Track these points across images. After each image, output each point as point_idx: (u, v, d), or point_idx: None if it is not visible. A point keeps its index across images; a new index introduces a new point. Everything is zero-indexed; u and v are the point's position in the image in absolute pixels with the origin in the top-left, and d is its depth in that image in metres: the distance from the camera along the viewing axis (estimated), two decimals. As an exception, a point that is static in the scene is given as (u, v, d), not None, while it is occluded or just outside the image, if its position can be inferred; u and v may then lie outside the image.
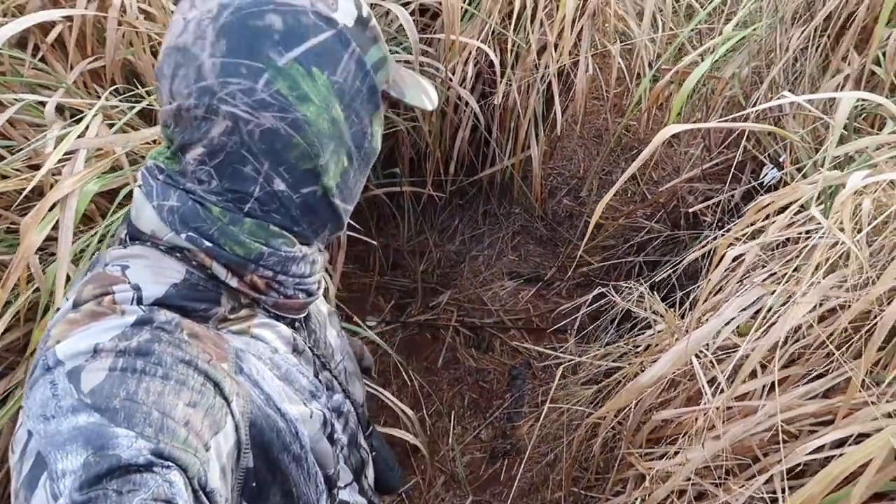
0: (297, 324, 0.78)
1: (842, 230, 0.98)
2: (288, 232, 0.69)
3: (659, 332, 1.65)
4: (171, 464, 0.51)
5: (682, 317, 1.63)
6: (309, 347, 0.78)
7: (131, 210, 0.68)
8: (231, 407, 0.61)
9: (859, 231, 1.05)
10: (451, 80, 2.20)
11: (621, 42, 2.56)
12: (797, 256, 1.23)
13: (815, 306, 1.14)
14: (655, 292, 1.74)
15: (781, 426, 1.17)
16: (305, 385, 0.74)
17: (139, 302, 0.61)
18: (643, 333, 1.78)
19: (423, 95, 0.77)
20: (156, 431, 0.52)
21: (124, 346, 0.56)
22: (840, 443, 1.11)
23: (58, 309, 0.63)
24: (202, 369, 0.59)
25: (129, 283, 0.62)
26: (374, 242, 2.13)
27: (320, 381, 0.78)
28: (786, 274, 1.21)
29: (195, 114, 0.62)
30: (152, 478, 0.49)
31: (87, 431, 0.50)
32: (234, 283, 0.67)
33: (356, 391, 0.89)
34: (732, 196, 2.16)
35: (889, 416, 1.07)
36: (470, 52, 2.24)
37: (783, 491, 1.11)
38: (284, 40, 0.61)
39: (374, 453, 0.94)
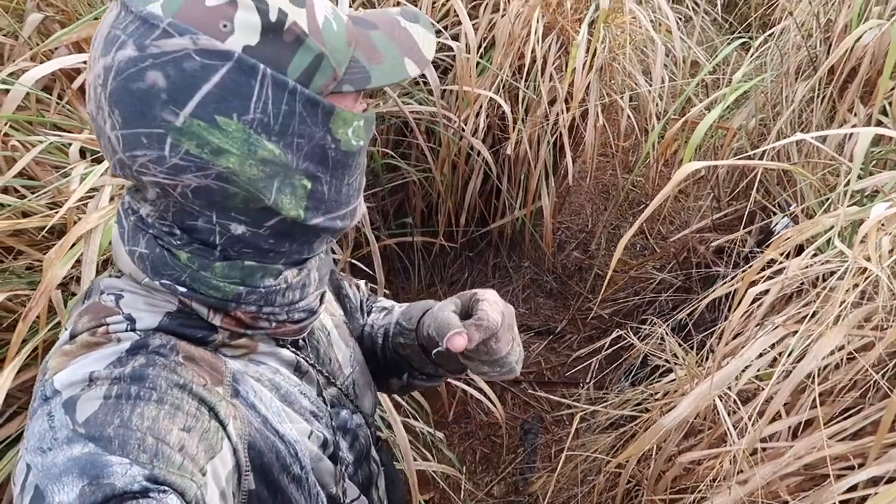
0: (300, 342, 0.77)
1: (867, 259, 0.97)
2: (269, 263, 0.65)
3: (680, 377, 1.63)
4: (167, 489, 0.51)
5: (701, 361, 1.62)
6: (311, 365, 0.76)
7: (113, 247, 0.68)
8: (227, 430, 0.60)
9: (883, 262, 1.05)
10: (463, 130, 2.23)
11: (629, 96, 2.61)
12: (818, 297, 1.22)
13: (842, 345, 1.13)
14: (674, 335, 1.72)
15: (810, 469, 1.14)
16: (307, 406, 0.73)
17: (133, 332, 0.61)
18: (660, 380, 1.76)
19: (406, 60, 0.65)
20: (150, 457, 0.52)
21: (118, 372, 0.56)
22: (873, 483, 1.08)
23: None
24: (197, 393, 0.59)
25: (123, 313, 0.62)
26: (386, 293, 2.12)
27: (324, 400, 0.77)
28: (810, 314, 1.20)
29: (127, 181, 0.61)
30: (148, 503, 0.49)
31: (81, 462, 0.50)
32: (217, 321, 0.64)
33: (365, 403, 0.87)
34: (744, 244, 2.16)
35: (924, 453, 1.04)
36: (481, 104, 2.28)
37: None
38: (172, 97, 0.53)
39: (382, 467, 0.92)
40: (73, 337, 0.61)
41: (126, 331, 0.61)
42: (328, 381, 0.80)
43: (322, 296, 0.75)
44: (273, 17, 0.55)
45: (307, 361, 0.76)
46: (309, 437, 0.71)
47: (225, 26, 0.54)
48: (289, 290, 0.67)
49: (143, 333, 0.61)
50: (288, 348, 0.74)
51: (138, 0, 0.54)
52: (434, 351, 0.81)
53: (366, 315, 1.00)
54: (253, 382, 0.67)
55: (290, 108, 0.57)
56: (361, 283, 1.03)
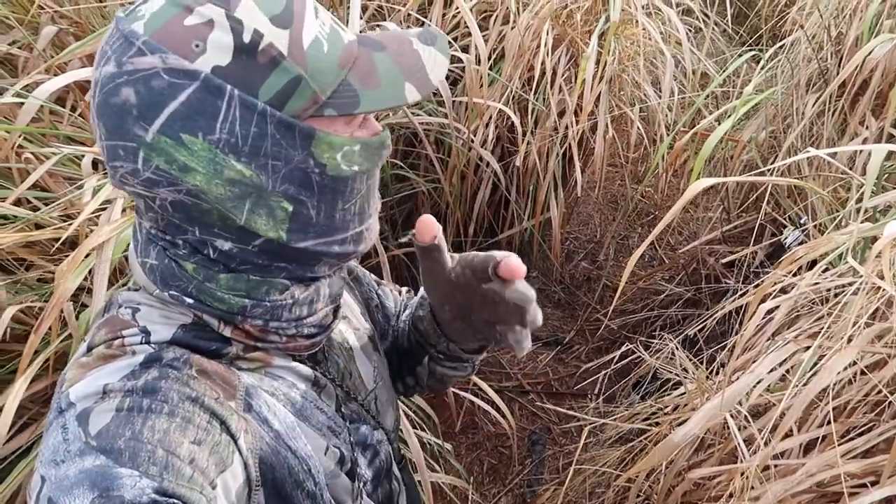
0: (319, 356, 0.76)
1: (881, 278, 0.97)
2: (272, 278, 0.65)
3: (689, 391, 1.62)
4: (176, 501, 0.51)
5: (711, 375, 1.61)
6: (330, 380, 0.76)
7: (129, 259, 0.69)
8: (238, 444, 0.60)
9: (897, 281, 1.04)
10: (472, 140, 2.24)
11: (639, 108, 2.61)
12: (829, 313, 1.22)
13: (854, 361, 1.12)
14: (684, 349, 1.71)
15: (823, 487, 1.14)
16: (324, 421, 0.73)
17: (147, 344, 0.62)
18: (670, 394, 1.75)
19: (407, 84, 0.62)
20: (160, 470, 0.52)
21: (131, 385, 0.56)
22: (887, 502, 1.07)
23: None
24: (208, 406, 0.59)
25: (138, 326, 0.63)
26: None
27: (343, 416, 0.77)
28: (821, 329, 1.19)
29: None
30: None
31: (92, 474, 0.50)
32: (227, 332, 0.65)
33: (388, 420, 0.86)
34: (755, 257, 2.15)
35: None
36: (491, 115, 2.28)
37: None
38: (142, 114, 0.55)
39: (404, 486, 0.91)
40: (90, 349, 0.62)
41: (140, 343, 0.61)
42: (348, 395, 0.79)
43: (336, 311, 0.74)
44: (247, 38, 0.55)
45: (325, 376, 0.75)
46: (325, 453, 0.71)
47: (197, 46, 0.54)
48: (296, 306, 0.67)
49: (157, 346, 0.61)
50: (305, 363, 0.73)
51: (127, 18, 0.56)
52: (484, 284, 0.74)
53: (402, 313, 0.99)
54: (267, 397, 0.67)
55: (261, 129, 0.56)
56: (403, 289, 1.03)
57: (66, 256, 1.15)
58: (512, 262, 0.68)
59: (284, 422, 0.67)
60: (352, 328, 0.86)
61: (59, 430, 0.54)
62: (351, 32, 0.64)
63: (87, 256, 1.15)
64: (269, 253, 0.63)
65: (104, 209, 1.25)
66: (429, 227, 0.70)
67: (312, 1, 0.60)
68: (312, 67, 0.57)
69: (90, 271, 1.15)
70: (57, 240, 1.22)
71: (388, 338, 0.96)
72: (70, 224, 1.20)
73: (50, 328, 1.13)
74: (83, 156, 1.38)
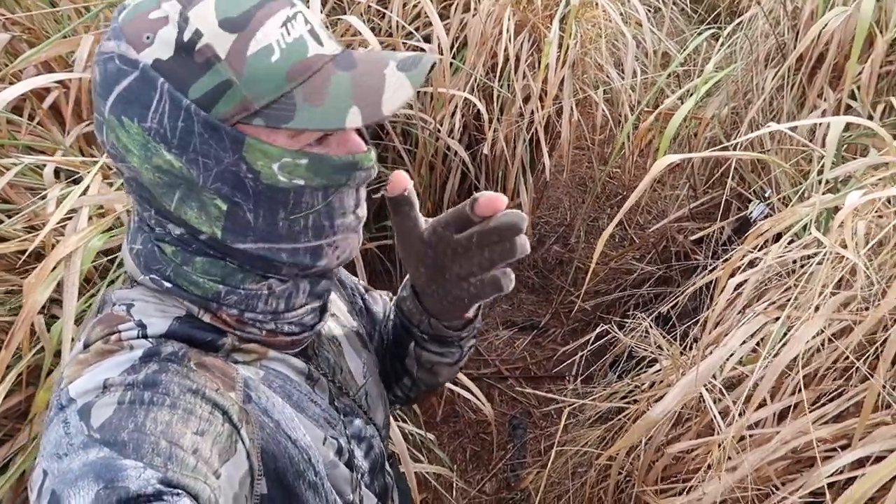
0: (309, 352, 0.77)
1: (844, 247, 0.99)
2: (248, 266, 0.66)
3: (665, 368, 1.64)
4: (181, 491, 0.51)
5: (685, 351, 1.64)
6: (323, 375, 0.77)
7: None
8: (241, 434, 0.61)
9: (860, 249, 1.07)
10: (439, 130, 2.24)
11: (603, 90, 2.63)
12: (796, 284, 1.24)
13: (822, 329, 1.15)
14: (657, 327, 1.74)
15: (797, 453, 1.17)
16: (319, 413, 0.73)
17: (145, 338, 0.62)
18: (646, 372, 1.78)
19: (353, 109, 0.59)
20: (164, 461, 0.52)
21: (132, 379, 0.57)
22: (859, 464, 1.11)
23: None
24: (210, 398, 0.59)
25: (134, 320, 0.63)
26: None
27: (336, 409, 0.77)
28: (788, 300, 1.22)
29: None
30: None
31: (97, 466, 0.50)
32: (206, 318, 0.66)
33: (378, 415, 0.87)
34: (722, 232, 2.19)
35: (907, 433, 1.06)
36: (456, 104, 2.29)
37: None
38: (101, 91, 0.59)
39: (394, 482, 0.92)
40: (86, 346, 0.62)
41: (137, 337, 0.62)
42: (340, 390, 0.80)
43: (322, 311, 0.75)
44: (186, 36, 0.56)
45: (318, 370, 0.76)
46: (324, 443, 0.72)
47: (148, 38, 0.57)
48: (272, 298, 0.67)
49: (155, 341, 0.62)
50: (299, 357, 0.74)
51: (123, 6, 0.60)
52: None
53: (391, 314, 0.98)
54: (264, 388, 0.68)
55: (188, 125, 0.58)
56: (385, 294, 1.03)
57: (34, 269, 1.14)
58: (489, 194, 0.66)
59: (283, 413, 0.68)
60: (340, 325, 0.86)
61: (60, 425, 0.54)
62: (332, 47, 0.63)
63: (55, 268, 1.13)
64: (216, 250, 0.65)
65: (69, 219, 1.23)
66: (400, 180, 0.69)
67: (292, 11, 0.60)
68: (249, 74, 0.57)
69: (59, 283, 1.14)
70: (23, 252, 1.20)
71: (374, 340, 0.96)
72: (35, 235, 1.18)
73: (21, 342, 1.11)
74: (44, 165, 1.35)
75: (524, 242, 0.66)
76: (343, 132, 0.64)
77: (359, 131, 0.67)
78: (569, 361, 2.50)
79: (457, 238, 0.68)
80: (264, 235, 0.63)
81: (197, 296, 0.65)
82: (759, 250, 1.37)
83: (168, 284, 0.64)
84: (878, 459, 1.06)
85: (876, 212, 1.13)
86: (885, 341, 1.03)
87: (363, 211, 0.70)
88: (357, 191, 0.67)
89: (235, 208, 0.61)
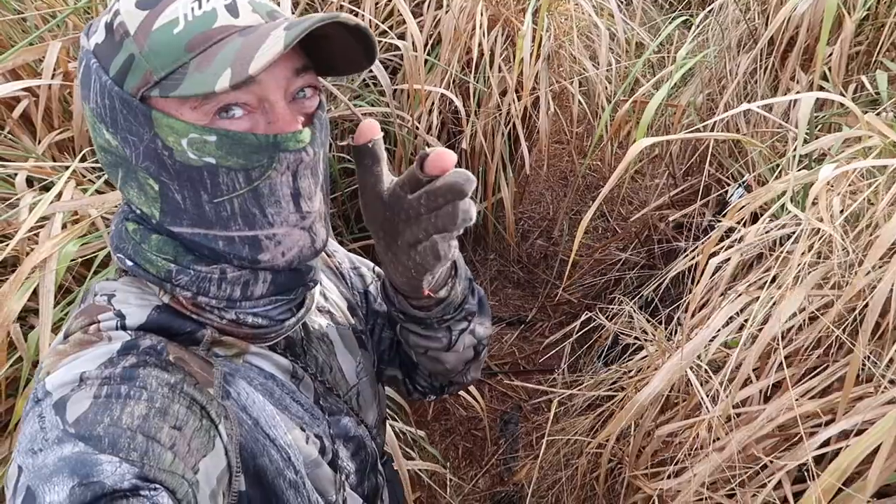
0: (297, 350, 0.76)
1: (820, 220, 1.00)
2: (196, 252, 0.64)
3: (651, 353, 1.65)
4: (158, 486, 0.51)
5: (670, 335, 1.64)
6: (309, 374, 0.75)
7: None
8: (219, 429, 0.60)
9: (835, 222, 1.07)
10: (417, 128, 2.23)
11: (579, 82, 2.64)
12: (776, 261, 1.25)
13: (803, 307, 1.16)
14: (642, 313, 1.74)
15: (784, 430, 1.17)
16: (301, 412, 0.72)
17: (123, 328, 0.62)
18: (633, 358, 1.78)
19: (226, 72, 0.55)
20: (141, 455, 0.52)
21: (109, 372, 0.56)
22: (844, 437, 1.11)
23: None
24: (187, 392, 0.59)
25: (114, 310, 0.63)
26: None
27: (322, 408, 0.76)
28: (770, 278, 1.23)
29: None
30: (139, 502, 0.49)
31: (71, 461, 0.50)
32: (166, 299, 0.65)
33: (369, 416, 0.86)
34: (703, 217, 2.20)
35: (890, 402, 1.07)
36: (433, 101, 2.28)
37: (797, 491, 1.10)
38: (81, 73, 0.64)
39: (387, 482, 0.91)
40: (66, 336, 0.62)
41: (116, 328, 0.62)
42: (328, 390, 0.78)
43: (298, 308, 0.72)
44: (110, 17, 0.60)
45: (305, 370, 0.75)
46: (306, 442, 0.71)
47: (94, 27, 0.62)
48: (225, 283, 0.64)
49: (134, 334, 0.62)
50: (286, 356, 0.73)
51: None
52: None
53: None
54: (245, 385, 0.67)
55: (111, 103, 0.59)
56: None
57: (8, 277, 1.12)
58: (438, 149, 0.61)
59: (263, 410, 0.67)
60: (334, 322, 0.84)
61: (35, 420, 0.54)
62: (252, 19, 0.59)
63: (30, 275, 1.12)
64: (167, 233, 0.64)
65: (42, 226, 1.22)
66: (369, 129, 0.64)
67: None
68: (150, 47, 0.56)
69: (35, 291, 1.12)
70: (-4, 261, 1.18)
71: (376, 335, 0.93)
72: (7, 244, 1.16)
73: (-2, 352, 1.09)
74: (16, 174, 1.33)
75: (467, 208, 0.61)
76: (275, 110, 0.59)
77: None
78: (556, 352, 2.50)
79: (409, 199, 0.62)
80: (196, 220, 0.61)
81: (152, 274, 0.64)
82: (740, 226, 1.37)
83: (130, 263, 0.65)
84: (862, 432, 1.07)
85: (850, 185, 1.14)
86: (864, 310, 1.04)
87: (311, 205, 0.64)
88: (295, 178, 0.61)
89: (165, 189, 0.60)
